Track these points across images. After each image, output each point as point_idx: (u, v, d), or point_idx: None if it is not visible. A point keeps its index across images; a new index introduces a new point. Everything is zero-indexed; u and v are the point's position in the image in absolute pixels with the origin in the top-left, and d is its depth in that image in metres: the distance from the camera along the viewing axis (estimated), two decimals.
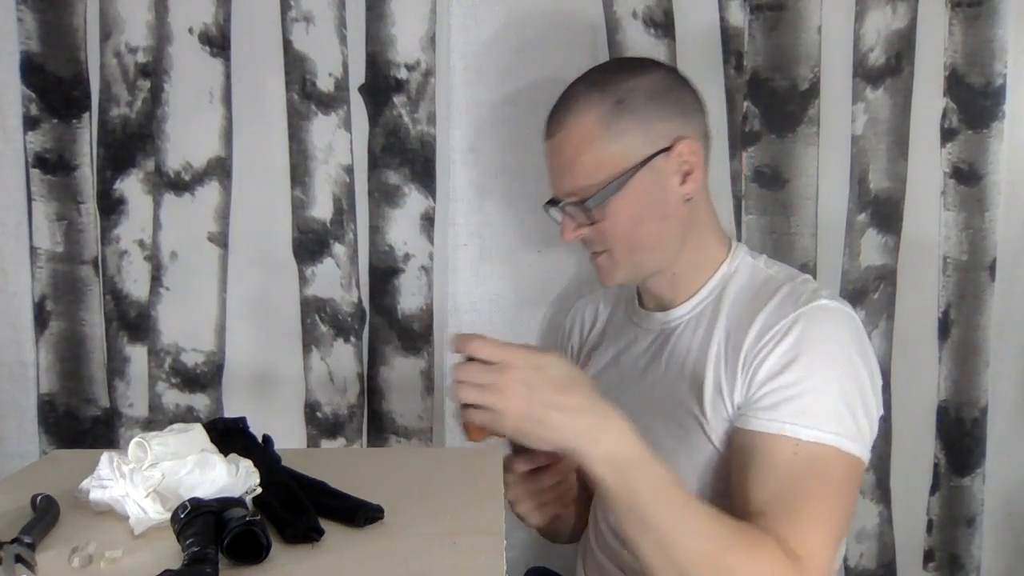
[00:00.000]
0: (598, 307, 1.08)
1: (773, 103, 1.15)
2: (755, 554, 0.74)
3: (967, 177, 1.16)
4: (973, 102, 1.15)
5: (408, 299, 1.20)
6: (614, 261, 0.90)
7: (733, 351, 0.85)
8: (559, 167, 0.90)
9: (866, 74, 1.15)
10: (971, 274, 1.18)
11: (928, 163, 1.17)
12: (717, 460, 0.85)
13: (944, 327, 1.19)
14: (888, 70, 1.15)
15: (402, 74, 1.17)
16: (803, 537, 0.76)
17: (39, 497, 0.62)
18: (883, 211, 1.17)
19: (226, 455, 0.65)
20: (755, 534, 0.76)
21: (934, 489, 1.21)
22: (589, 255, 0.93)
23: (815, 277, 1.17)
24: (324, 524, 0.61)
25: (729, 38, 1.15)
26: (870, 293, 1.18)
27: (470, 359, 0.72)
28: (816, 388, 0.80)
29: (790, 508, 0.77)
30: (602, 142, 0.86)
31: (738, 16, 1.14)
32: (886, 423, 1.20)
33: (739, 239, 1.18)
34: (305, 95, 1.17)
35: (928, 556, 1.22)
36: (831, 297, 0.85)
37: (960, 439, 1.20)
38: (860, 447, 0.80)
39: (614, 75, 0.89)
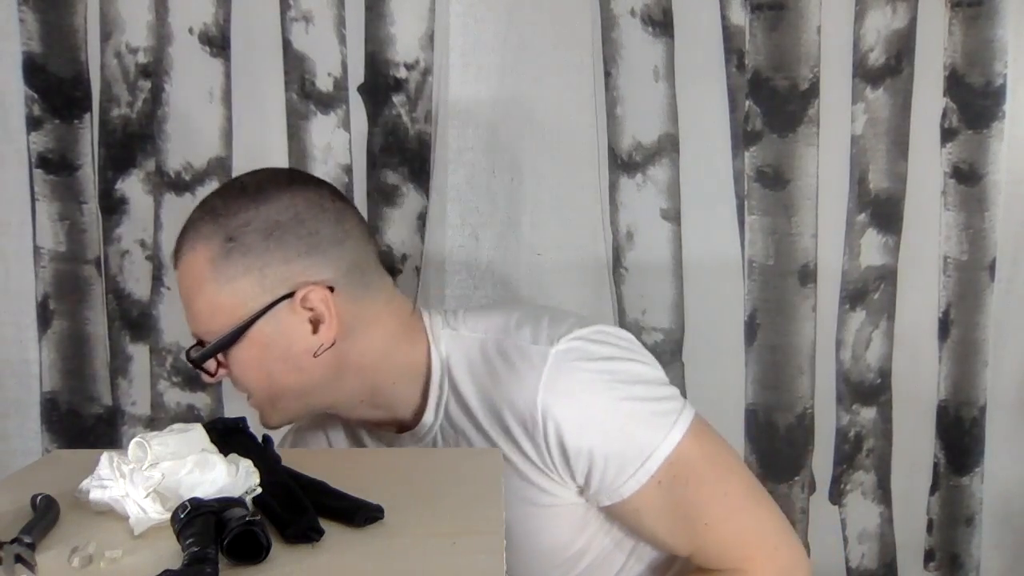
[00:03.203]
0: (326, 433, 0.91)
1: (774, 103, 1.15)
2: None
3: (967, 177, 1.16)
4: (973, 102, 1.15)
5: None
6: (261, 406, 0.81)
7: (514, 446, 0.78)
8: (183, 303, 0.80)
9: (866, 74, 1.15)
10: (971, 274, 1.18)
11: (928, 163, 1.16)
12: (562, 531, 0.82)
13: (944, 327, 1.19)
14: (888, 70, 1.15)
15: (401, 73, 1.17)
16: (735, 544, 0.78)
17: (39, 497, 0.62)
18: (883, 211, 1.17)
19: (226, 455, 0.65)
20: None
21: (934, 489, 1.21)
22: None
23: (815, 278, 1.18)
24: (324, 524, 0.61)
25: (731, 36, 1.15)
26: (870, 293, 1.18)
27: None
28: (620, 433, 0.77)
29: (704, 531, 0.77)
30: (213, 286, 0.76)
31: (739, 15, 1.14)
32: (886, 423, 1.21)
33: (741, 240, 1.18)
34: (304, 95, 1.17)
35: (928, 556, 1.22)
36: (550, 339, 0.77)
37: (960, 438, 1.20)
38: (684, 415, 0.78)
39: (232, 203, 0.77)
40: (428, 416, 0.82)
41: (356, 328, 0.78)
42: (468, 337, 0.81)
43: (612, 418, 0.77)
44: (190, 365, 0.80)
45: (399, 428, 0.85)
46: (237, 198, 0.78)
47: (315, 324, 0.77)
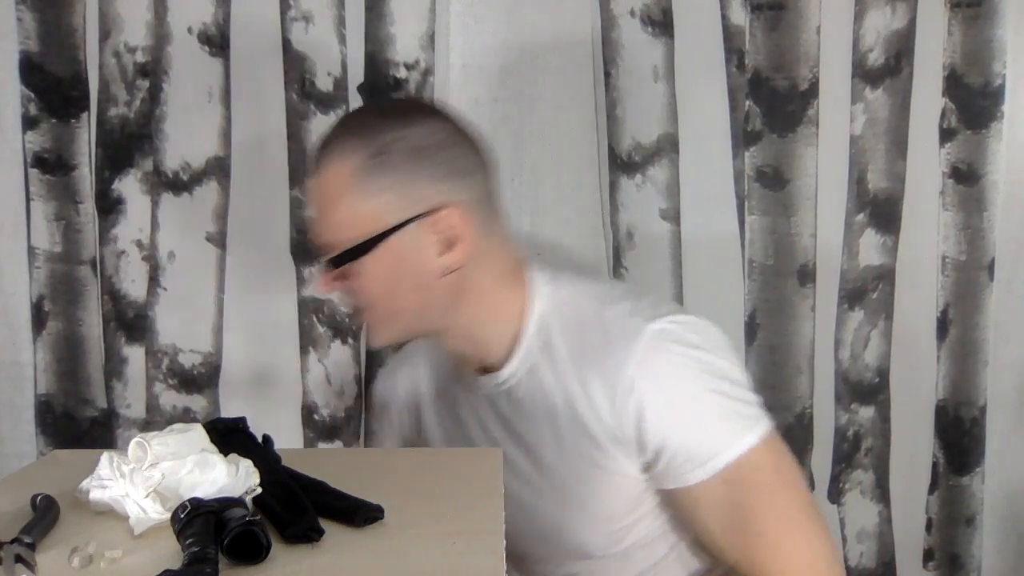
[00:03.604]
0: (416, 373, 0.97)
1: (774, 103, 1.15)
2: None
3: (966, 177, 1.17)
4: (972, 102, 1.15)
5: None
6: (374, 321, 0.83)
7: (592, 408, 0.80)
8: (315, 214, 0.82)
9: (865, 74, 1.15)
10: (970, 274, 1.18)
11: (927, 163, 1.17)
12: (614, 500, 0.83)
13: (943, 327, 1.19)
14: (887, 70, 1.15)
15: (401, 73, 1.16)
16: (782, 560, 0.78)
17: (39, 497, 0.61)
18: (882, 211, 1.17)
19: (226, 455, 0.65)
20: None
21: (933, 488, 1.21)
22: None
23: (814, 277, 1.18)
24: (324, 524, 0.61)
25: (731, 36, 1.15)
26: (868, 293, 1.18)
27: None
28: (699, 421, 0.78)
29: (755, 539, 0.78)
30: (354, 197, 0.78)
31: (739, 15, 1.14)
32: (884, 422, 1.21)
33: (741, 240, 1.18)
34: (304, 94, 1.16)
35: (928, 555, 1.22)
36: (650, 316, 0.79)
37: (959, 438, 1.20)
38: (760, 424, 0.79)
39: (379, 122, 0.81)
40: (514, 363, 0.83)
41: (477, 258, 0.81)
42: (568, 297, 0.84)
43: (695, 406, 0.79)
44: (321, 268, 0.82)
45: (483, 370, 0.87)
46: (385, 118, 0.82)
47: (446, 245, 0.79)
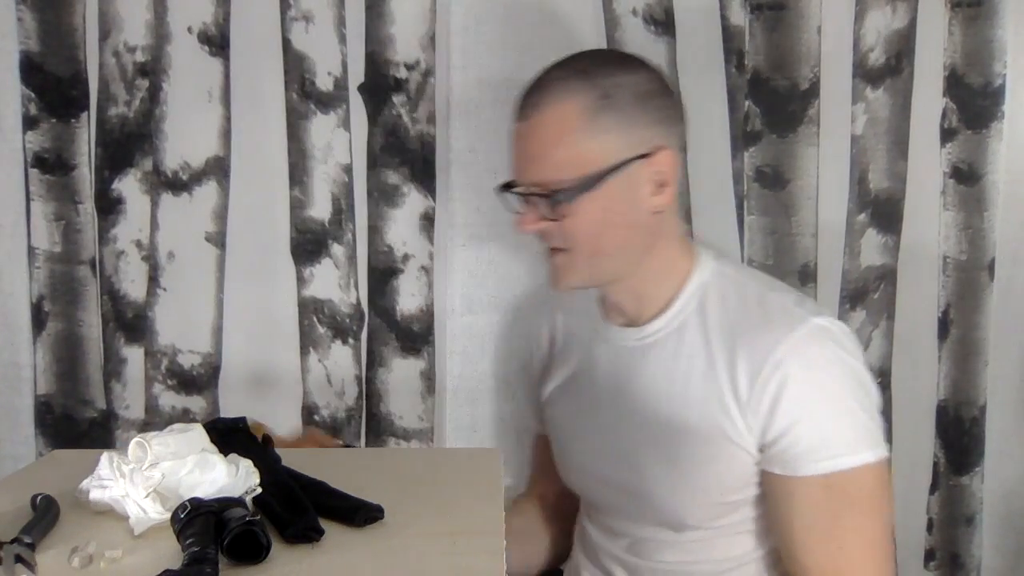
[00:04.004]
0: (554, 322, 1.02)
1: (774, 103, 1.15)
2: None
3: (966, 177, 1.17)
4: (973, 102, 1.15)
5: (407, 300, 1.20)
6: (573, 262, 0.85)
7: (730, 376, 0.83)
8: (528, 153, 0.84)
9: (866, 74, 1.15)
10: (970, 274, 1.18)
11: (928, 163, 1.17)
12: (727, 472, 0.84)
13: (943, 326, 1.19)
14: (888, 70, 1.15)
15: (401, 73, 1.16)
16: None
17: (39, 497, 0.62)
18: (883, 211, 1.17)
19: (226, 455, 0.65)
20: None
21: (934, 488, 1.21)
22: (544, 251, 0.88)
23: (815, 278, 1.18)
24: (324, 524, 0.61)
25: (731, 36, 1.15)
26: (870, 293, 1.18)
27: None
28: (832, 418, 0.81)
29: (833, 552, 0.80)
30: (580, 135, 0.81)
31: (739, 15, 1.14)
32: (886, 423, 1.20)
33: (741, 240, 1.18)
34: (304, 94, 1.16)
35: (929, 555, 1.22)
36: (814, 312, 0.84)
37: (959, 438, 1.20)
38: (881, 447, 0.82)
39: (602, 67, 0.84)
40: (664, 318, 0.87)
41: (674, 204, 0.87)
42: (732, 275, 0.88)
43: (832, 404, 0.81)
44: (527, 207, 0.85)
45: (627, 323, 0.90)
46: (607, 62, 0.86)
47: (658, 186, 0.84)
